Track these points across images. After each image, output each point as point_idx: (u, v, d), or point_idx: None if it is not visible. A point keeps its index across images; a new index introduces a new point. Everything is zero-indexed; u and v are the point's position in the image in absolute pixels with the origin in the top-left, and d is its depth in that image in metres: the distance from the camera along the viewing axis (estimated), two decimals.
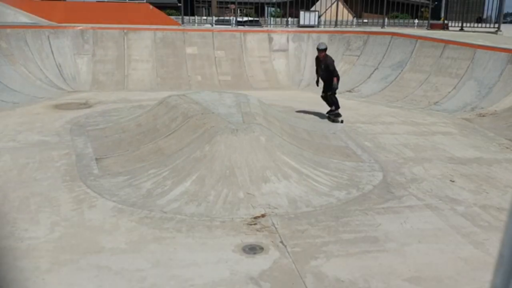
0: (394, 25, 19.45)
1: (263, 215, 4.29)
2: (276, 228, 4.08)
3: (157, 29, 12.96)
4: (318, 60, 8.19)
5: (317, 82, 8.33)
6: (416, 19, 21.05)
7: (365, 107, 9.79)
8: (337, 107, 8.18)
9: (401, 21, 20.73)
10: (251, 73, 12.84)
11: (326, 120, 8.52)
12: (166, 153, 5.56)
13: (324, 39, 13.54)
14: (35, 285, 3.18)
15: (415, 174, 5.62)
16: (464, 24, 15.63)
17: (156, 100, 7.79)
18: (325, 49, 8.00)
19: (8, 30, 11.48)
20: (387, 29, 15.07)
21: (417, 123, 8.27)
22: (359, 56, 12.74)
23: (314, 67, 13.50)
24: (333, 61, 8.02)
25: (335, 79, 7.89)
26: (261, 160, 5.03)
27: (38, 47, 11.78)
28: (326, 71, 7.97)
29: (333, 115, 8.15)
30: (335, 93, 8.00)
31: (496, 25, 14.33)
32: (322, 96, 8.31)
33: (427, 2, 19.23)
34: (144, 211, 4.35)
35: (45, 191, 4.80)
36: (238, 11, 20.45)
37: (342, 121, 8.00)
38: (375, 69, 11.98)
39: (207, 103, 6.47)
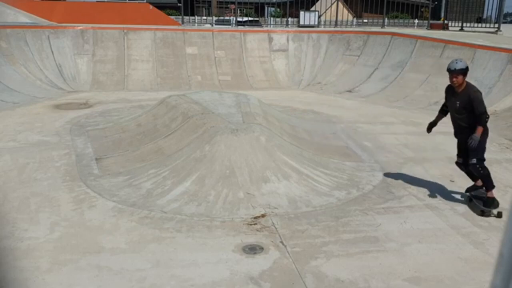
0: (394, 25, 19.45)
1: (263, 215, 4.29)
2: (276, 228, 4.08)
3: (157, 29, 12.96)
4: (450, 90, 4.66)
5: (431, 126, 4.99)
6: (416, 19, 21.06)
7: (365, 107, 9.78)
8: (489, 184, 4.54)
9: (401, 21, 20.75)
10: (251, 73, 12.84)
11: (326, 120, 8.48)
12: (166, 153, 5.56)
13: (324, 39, 13.55)
14: (35, 285, 3.18)
15: (415, 174, 5.62)
16: (464, 24, 15.63)
17: (156, 100, 7.79)
18: (464, 71, 4.44)
19: (8, 30, 11.48)
20: (387, 29, 15.07)
21: (417, 123, 8.26)
22: (359, 56, 12.74)
23: (316, 69, 13.76)
24: (480, 94, 4.46)
25: (479, 129, 4.31)
26: (261, 160, 5.03)
27: (38, 47, 11.78)
28: (466, 113, 4.47)
29: (482, 200, 4.56)
30: (483, 159, 4.46)
31: (496, 25, 14.33)
32: (457, 163, 4.82)
33: (427, 2, 19.24)
34: (144, 211, 4.35)
35: (45, 191, 4.81)
36: (238, 11, 20.45)
37: (499, 214, 4.43)
38: (375, 69, 11.98)
39: (207, 103, 6.47)
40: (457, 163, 4.77)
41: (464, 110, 4.48)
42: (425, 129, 5.17)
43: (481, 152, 4.44)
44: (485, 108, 4.37)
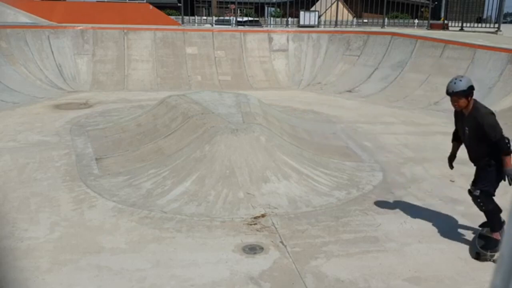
0: (394, 25, 19.45)
1: (263, 215, 4.30)
2: (276, 228, 4.08)
3: (157, 29, 12.96)
4: (458, 113, 3.84)
5: (451, 160, 4.20)
6: (416, 19, 21.06)
7: (365, 107, 9.78)
8: (495, 224, 3.79)
9: (401, 21, 20.75)
10: (251, 73, 12.84)
11: (326, 120, 8.48)
12: (166, 153, 5.56)
13: (324, 39, 13.55)
14: (35, 285, 3.18)
15: (415, 174, 5.61)
16: (464, 24, 15.63)
17: (156, 100, 7.79)
18: (466, 93, 3.57)
19: (8, 30, 11.48)
20: (387, 29, 15.07)
21: (417, 123, 8.26)
22: (359, 56, 12.74)
23: (316, 69, 13.76)
24: (491, 115, 3.66)
25: (508, 159, 3.52)
26: (261, 160, 5.03)
27: (38, 47, 11.78)
28: (478, 141, 3.68)
29: (484, 240, 3.77)
30: (490, 193, 3.70)
31: (496, 25, 14.33)
32: (469, 191, 3.88)
33: (427, 2, 19.25)
34: (144, 211, 4.35)
35: (45, 191, 4.81)
36: (238, 11, 20.45)
37: (492, 260, 3.64)
38: (375, 69, 11.98)
39: (207, 103, 6.47)
40: (469, 191, 3.87)
41: (475, 139, 3.66)
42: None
43: (489, 184, 3.66)
44: (501, 131, 3.53)
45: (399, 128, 7.93)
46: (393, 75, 11.36)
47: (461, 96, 3.58)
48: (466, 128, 3.73)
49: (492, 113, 3.65)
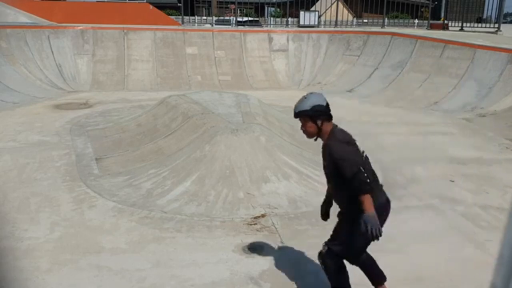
0: (394, 25, 19.46)
1: (263, 215, 4.30)
2: (276, 228, 4.08)
3: (157, 29, 12.96)
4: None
5: (324, 209, 3.25)
6: (416, 19, 21.08)
7: (365, 107, 9.78)
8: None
9: (401, 21, 20.75)
10: (251, 73, 12.84)
11: None
12: (166, 153, 5.56)
13: (324, 39, 13.55)
14: (35, 285, 3.18)
15: (415, 174, 5.61)
16: (464, 24, 15.63)
17: (156, 100, 7.79)
18: (310, 113, 2.65)
19: (8, 30, 11.49)
20: (387, 29, 15.07)
21: (417, 123, 8.26)
22: (359, 56, 12.74)
23: (316, 69, 13.76)
24: (343, 144, 2.67)
25: (366, 200, 2.48)
26: (261, 160, 5.03)
27: (38, 47, 11.78)
28: (336, 181, 2.80)
29: None
30: (339, 253, 2.84)
31: (496, 25, 14.34)
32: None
33: (427, 2, 19.25)
34: (144, 211, 4.35)
35: (45, 191, 4.81)
36: (238, 11, 20.45)
37: None
38: (375, 69, 11.98)
39: (207, 103, 6.47)
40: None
41: (332, 176, 2.79)
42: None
43: (341, 242, 2.77)
44: (356, 164, 2.54)
45: (399, 128, 7.92)
46: (393, 75, 11.36)
47: (305, 118, 2.67)
48: (325, 164, 2.79)
49: (346, 141, 2.67)
